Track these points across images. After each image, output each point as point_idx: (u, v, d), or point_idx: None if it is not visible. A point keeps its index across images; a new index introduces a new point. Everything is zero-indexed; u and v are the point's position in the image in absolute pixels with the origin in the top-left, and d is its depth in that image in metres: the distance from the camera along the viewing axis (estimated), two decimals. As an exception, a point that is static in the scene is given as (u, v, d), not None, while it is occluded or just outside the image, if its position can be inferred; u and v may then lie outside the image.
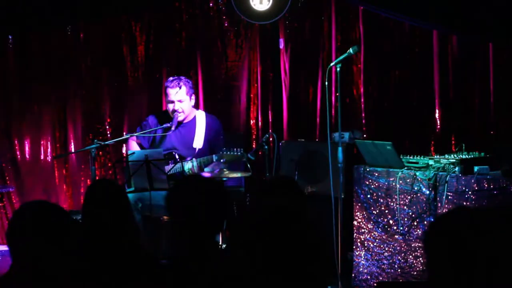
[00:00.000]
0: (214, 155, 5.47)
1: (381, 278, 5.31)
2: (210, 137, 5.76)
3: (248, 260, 2.14)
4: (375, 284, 5.30)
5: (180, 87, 5.67)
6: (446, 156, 5.22)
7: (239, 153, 5.36)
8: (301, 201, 3.30)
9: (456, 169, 4.98)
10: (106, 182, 3.77)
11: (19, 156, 6.77)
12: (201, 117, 5.82)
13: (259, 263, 2.11)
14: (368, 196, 5.37)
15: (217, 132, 5.82)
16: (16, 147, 6.77)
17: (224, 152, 5.36)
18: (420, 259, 5.12)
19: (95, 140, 5.62)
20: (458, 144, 5.61)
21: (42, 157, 6.81)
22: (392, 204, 5.24)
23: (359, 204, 5.45)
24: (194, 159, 5.54)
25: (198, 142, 5.72)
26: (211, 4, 6.75)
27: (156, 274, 3.06)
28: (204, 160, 5.52)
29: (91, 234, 3.21)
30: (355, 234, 5.50)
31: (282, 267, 2.09)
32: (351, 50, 5.35)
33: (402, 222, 5.18)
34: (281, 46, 6.66)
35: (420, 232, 5.08)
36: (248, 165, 5.89)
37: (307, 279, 2.12)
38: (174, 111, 5.68)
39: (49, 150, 6.81)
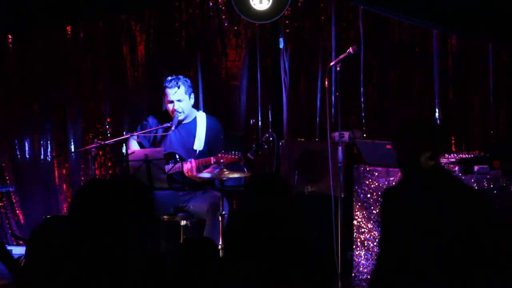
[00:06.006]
0: (212, 157, 5.47)
1: (381, 278, 5.30)
2: (210, 139, 5.75)
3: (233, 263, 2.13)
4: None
5: (178, 87, 5.66)
6: (446, 155, 5.22)
7: (236, 156, 5.36)
8: (282, 203, 3.19)
9: (456, 168, 4.98)
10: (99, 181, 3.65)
11: (19, 156, 6.77)
12: (201, 118, 5.81)
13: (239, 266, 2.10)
14: (368, 195, 5.37)
15: (217, 133, 5.80)
16: (16, 147, 6.77)
17: (221, 155, 5.36)
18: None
19: (95, 140, 5.62)
20: (458, 144, 5.61)
21: (42, 157, 6.81)
22: (392, 203, 5.23)
23: (359, 204, 5.45)
24: (193, 160, 5.54)
25: (199, 144, 5.71)
26: (211, 4, 6.75)
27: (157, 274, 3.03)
28: (202, 162, 5.52)
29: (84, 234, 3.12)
30: (355, 233, 5.50)
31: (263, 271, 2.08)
32: (351, 50, 5.36)
33: (402, 221, 5.18)
34: (281, 46, 6.66)
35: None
36: (244, 168, 5.89)
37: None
38: (173, 111, 5.67)
39: (49, 150, 6.81)
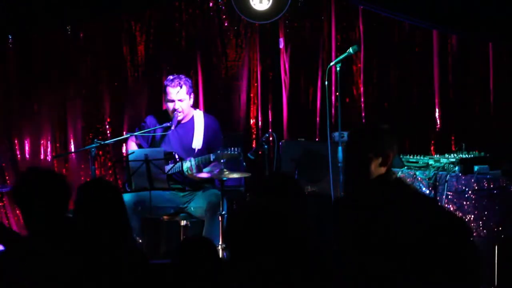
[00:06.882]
0: (211, 154, 5.46)
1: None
2: (208, 137, 5.75)
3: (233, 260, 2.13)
4: None
5: (181, 87, 5.65)
6: (446, 155, 5.22)
7: (236, 152, 5.36)
8: (282, 203, 3.15)
9: (456, 168, 4.98)
10: (100, 182, 3.66)
11: (19, 156, 6.77)
12: (199, 117, 5.81)
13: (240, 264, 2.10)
14: (368, 195, 5.36)
15: (215, 132, 5.80)
16: (16, 147, 6.77)
17: (221, 152, 5.36)
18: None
19: (95, 140, 5.62)
20: (458, 143, 5.61)
21: (42, 157, 6.80)
22: (392, 203, 5.23)
23: (359, 204, 5.44)
24: (192, 158, 5.53)
25: (197, 142, 5.71)
26: (211, 4, 6.75)
27: (148, 273, 3.03)
28: (201, 159, 5.51)
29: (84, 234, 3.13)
30: (355, 233, 5.48)
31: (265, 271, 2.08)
32: (351, 50, 5.36)
33: (402, 221, 5.17)
34: (281, 45, 6.66)
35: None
36: (244, 164, 5.90)
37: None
38: (174, 110, 5.67)
39: (49, 150, 6.81)
